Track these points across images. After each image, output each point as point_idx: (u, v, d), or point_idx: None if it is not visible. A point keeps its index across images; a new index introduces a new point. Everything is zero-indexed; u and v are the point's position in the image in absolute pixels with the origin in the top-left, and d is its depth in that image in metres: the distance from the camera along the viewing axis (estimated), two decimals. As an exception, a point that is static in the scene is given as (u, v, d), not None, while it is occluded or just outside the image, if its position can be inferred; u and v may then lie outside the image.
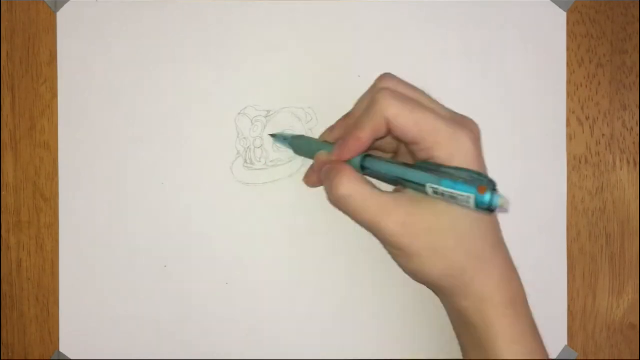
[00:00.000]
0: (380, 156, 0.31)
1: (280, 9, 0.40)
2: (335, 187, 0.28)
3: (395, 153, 0.34)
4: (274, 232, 0.40)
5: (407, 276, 0.35)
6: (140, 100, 0.40)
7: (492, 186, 0.26)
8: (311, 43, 0.40)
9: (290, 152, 0.39)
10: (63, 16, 0.40)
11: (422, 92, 0.30)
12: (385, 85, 0.29)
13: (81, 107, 0.40)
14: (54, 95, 0.40)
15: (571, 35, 0.40)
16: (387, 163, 0.29)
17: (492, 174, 0.40)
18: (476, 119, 0.33)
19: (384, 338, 0.40)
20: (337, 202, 0.29)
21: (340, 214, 0.31)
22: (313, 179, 0.34)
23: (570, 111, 0.40)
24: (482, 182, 0.26)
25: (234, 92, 0.40)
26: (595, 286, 0.40)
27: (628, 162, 0.40)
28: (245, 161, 0.40)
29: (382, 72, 0.33)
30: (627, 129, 0.40)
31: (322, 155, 0.31)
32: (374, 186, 0.29)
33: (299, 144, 0.36)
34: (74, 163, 0.40)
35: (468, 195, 0.25)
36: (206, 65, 0.40)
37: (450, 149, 0.27)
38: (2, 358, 0.41)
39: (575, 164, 0.40)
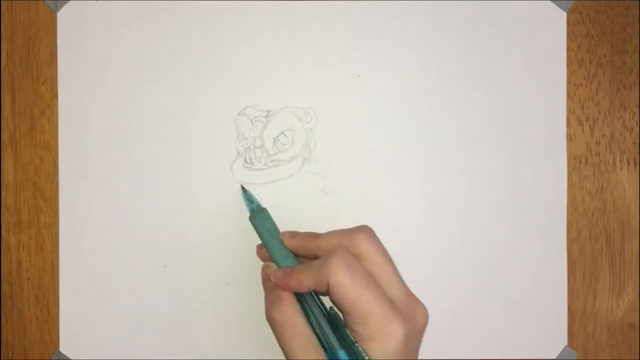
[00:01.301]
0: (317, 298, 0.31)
1: (280, 9, 0.40)
2: (273, 311, 0.30)
3: None
4: (274, 232, 0.40)
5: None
6: (140, 100, 0.40)
7: None
8: (311, 43, 0.40)
9: (290, 153, 0.39)
10: (63, 16, 0.40)
11: (387, 262, 0.30)
12: (358, 242, 0.29)
13: (81, 107, 0.40)
14: (54, 95, 0.40)
15: (571, 35, 0.40)
16: (313, 302, 0.30)
17: (492, 173, 0.40)
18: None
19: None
20: (271, 322, 0.30)
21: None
22: (262, 256, 0.34)
23: (570, 111, 0.40)
24: None
25: (234, 92, 0.40)
26: (595, 286, 0.40)
27: (628, 162, 0.40)
28: (245, 161, 0.40)
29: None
30: (627, 129, 0.40)
31: (270, 270, 0.32)
32: (306, 319, 0.29)
33: (255, 217, 0.33)
34: (74, 163, 0.40)
35: None
36: (206, 65, 0.40)
37: (373, 333, 0.27)
38: (2, 358, 0.41)
39: (575, 164, 0.40)
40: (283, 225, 0.40)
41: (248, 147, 0.40)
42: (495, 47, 0.40)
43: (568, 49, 0.40)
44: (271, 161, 0.40)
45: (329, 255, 0.28)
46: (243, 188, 0.36)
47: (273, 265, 0.32)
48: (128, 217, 0.40)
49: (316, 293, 0.30)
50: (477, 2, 0.40)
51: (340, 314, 0.29)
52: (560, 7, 0.40)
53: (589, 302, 0.40)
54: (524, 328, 0.40)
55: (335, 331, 0.28)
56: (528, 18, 0.40)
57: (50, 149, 0.40)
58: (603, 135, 0.40)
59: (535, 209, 0.40)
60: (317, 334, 0.29)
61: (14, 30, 0.40)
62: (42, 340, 0.40)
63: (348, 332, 0.28)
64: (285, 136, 0.40)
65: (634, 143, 0.40)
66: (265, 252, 0.33)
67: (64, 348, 0.40)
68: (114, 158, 0.40)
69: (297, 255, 0.32)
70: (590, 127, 0.40)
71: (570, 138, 0.40)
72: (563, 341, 0.40)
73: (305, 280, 0.29)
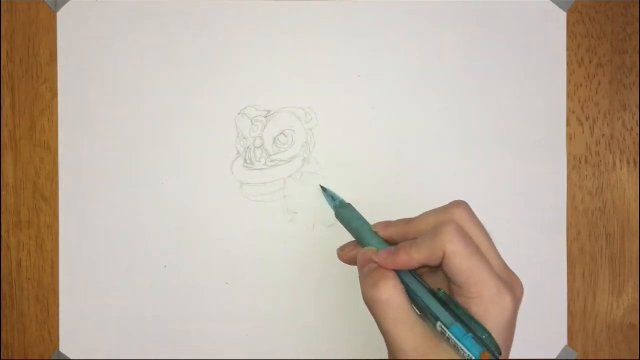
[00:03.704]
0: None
1: (280, 9, 0.40)
2: (378, 288, 0.28)
3: (432, 269, 0.33)
4: (274, 232, 0.40)
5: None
6: (140, 100, 0.40)
7: (495, 356, 0.26)
8: (311, 43, 0.40)
9: (290, 153, 0.39)
10: (63, 16, 0.40)
11: (486, 235, 0.30)
12: (457, 218, 0.29)
13: (81, 107, 0.40)
14: (54, 95, 0.40)
15: (571, 35, 0.40)
16: (418, 283, 0.29)
17: (492, 173, 0.40)
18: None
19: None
20: (372, 302, 0.29)
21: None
22: (347, 257, 0.33)
23: (570, 111, 0.40)
24: (489, 349, 0.26)
25: (234, 92, 0.40)
26: (595, 286, 0.40)
27: (628, 162, 0.40)
28: (245, 161, 0.40)
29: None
30: (627, 129, 0.40)
31: (370, 252, 0.31)
32: (408, 301, 0.29)
33: (343, 213, 0.34)
34: (74, 163, 0.40)
35: (470, 355, 0.26)
36: (206, 65, 0.40)
37: (488, 307, 0.27)
38: (2, 358, 0.41)
39: (575, 164, 0.40)
40: (283, 226, 0.40)
41: (248, 147, 0.40)
42: (496, 47, 0.40)
43: (568, 49, 0.40)
44: (271, 161, 0.40)
45: (440, 226, 0.28)
46: (323, 188, 0.36)
47: (373, 248, 0.31)
48: (128, 217, 0.40)
49: (416, 273, 0.29)
50: (477, 2, 0.40)
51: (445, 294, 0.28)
52: (560, 7, 0.40)
53: (589, 302, 0.40)
54: (524, 328, 0.40)
55: (446, 309, 0.27)
56: (528, 18, 0.40)
57: (50, 149, 0.40)
58: (603, 135, 0.40)
59: (535, 209, 0.40)
60: (431, 320, 0.28)
61: (14, 30, 0.40)
62: (42, 340, 0.40)
63: (461, 307, 0.27)
64: (285, 136, 0.40)
65: (634, 143, 0.40)
66: (349, 253, 0.33)
67: (64, 348, 0.40)
68: (114, 158, 0.40)
69: (391, 244, 0.31)
70: (590, 127, 0.40)
71: (570, 138, 0.40)
72: (563, 341, 0.40)
73: (416, 253, 0.28)
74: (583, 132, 0.40)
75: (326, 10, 0.40)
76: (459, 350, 0.26)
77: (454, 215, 0.29)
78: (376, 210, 0.40)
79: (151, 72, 0.40)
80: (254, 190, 0.40)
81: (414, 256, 0.28)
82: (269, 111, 0.40)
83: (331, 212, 0.36)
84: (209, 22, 0.40)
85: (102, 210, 0.40)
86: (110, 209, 0.40)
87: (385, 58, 0.40)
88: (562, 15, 0.40)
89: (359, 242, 0.32)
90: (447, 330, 0.27)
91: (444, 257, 0.27)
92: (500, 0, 0.40)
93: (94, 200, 0.40)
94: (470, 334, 0.26)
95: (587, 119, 0.40)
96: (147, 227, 0.40)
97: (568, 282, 0.40)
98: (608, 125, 0.40)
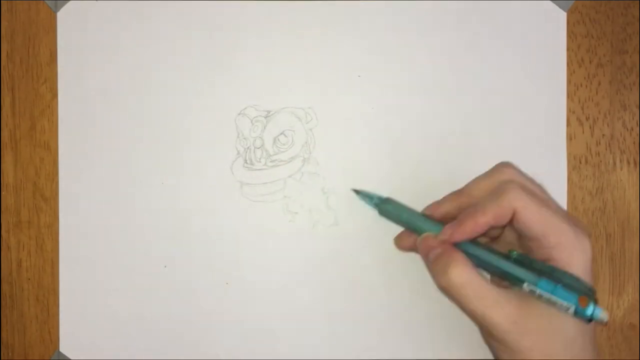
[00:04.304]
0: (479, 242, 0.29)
1: (280, 9, 0.40)
2: (449, 275, 0.27)
3: (493, 240, 0.32)
4: (274, 232, 0.40)
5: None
6: (140, 100, 0.40)
7: (592, 297, 0.26)
8: (311, 43, 0.40)
9: (290, 153, 0.39)
10: (63, 16, 0.40)
11: (543, 188, 0.30)
12: (512, 178, 0.29)
13: (81, 107, 0.40)
14: (54, 95, 0.40)
15: (571, 35, 0.40)
16: (489, 253, 0.28)
17: (492, 174, 0.40)
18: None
19: (384, 338, 0.40)
20: (447, 289, 0.28)
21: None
22: (407, 244, 0.32)
23: (570, 111, 0.40)
24: (583, 291, 0.26)
25: (234, 92, 0.40)
26: (595, 286, 0.40)
27: (628, 162, 0.40)
28: (245, 161, 0.40)
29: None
30: (627, 129, 0.40)
31: (430, 238, 0.30)
32: (483, 276, 0.28)
33: (386, 209, 0.32)
34: (74, 163, 0.40)
35: (568, 304, 0.25)
36: (206, 65, 0.40)
37: (571, 253, 0.27)
38: (2, 358, 0.41)
39: (575, 164, 0.40)
40: (283, 226, 0.40)
41: (248, 147, 0.40)
42: (495, 47, 0.40)
43: (568, 49, 0.40)
44: (271, 161, 0.40)
45: (502, 185, 0.28)
46: (356, 191, 0.33)
47: (431, 233, 0.30)
48: (128, 217, 0.40)
49: (486, 233, 0.29)
50: (477, 2, 0.40)
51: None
52: (560, 7, 0.40)
53: (589, 302, 0.40)
54: (524, 328, 0.40)
55: (526, 268, 0.27)
56: (528, 18, 0.40)
57: (50, 149, 0.40)
58: (603, 135, 0.40)
59: (535, 209, 0.40)
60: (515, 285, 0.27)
61: (14, 30, 0.40)
62: (42, 340, 0.40)
63: (538, 262, 0.26)
64: (285, 136, 0.40)
65: (634, 143, 0.40)
66: (407, 239, 0.31)
67: (64, 348, 0.40)
68: (114, 158, 0.40)
69: (446, 222, 0.30)
70: (590, 127, 0.40)
71: (570, 138, 0.40)
72: (563, 341, 0.40)
73: (482, 217, 0.27)
74: (583, 132, 0.40)
75: (326, 11, 0.40)
76: (555, 303, 0.25)
77: (505, 174, 0.29)
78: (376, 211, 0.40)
79: (151, 72, 0.40)
80: (254, 190, 0.40)
81: (480, 220, 0.27)
82: (269, 111, 0.40)
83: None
84: (209, 22, 0.40)
85: (102, 210, 0.40)
86: (110, 209, 0.40)
87: (385, 58, 0.40)
88: (562, 15, 0.40)
89: (414, 231, 0.30)
90: (536, 289, 0.26)
91: (514, 214, 0.27)
92: (500, 0, 0.40)
93: (94, 200, 0.40)
94: (560, 284, 0.25)
95: (587, 119, 0.40)
96: (147, 227, 0.40)
97: (568, 282, 0.40)
98: (608, 125, 0.40)
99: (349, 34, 0.40)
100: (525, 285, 0.26)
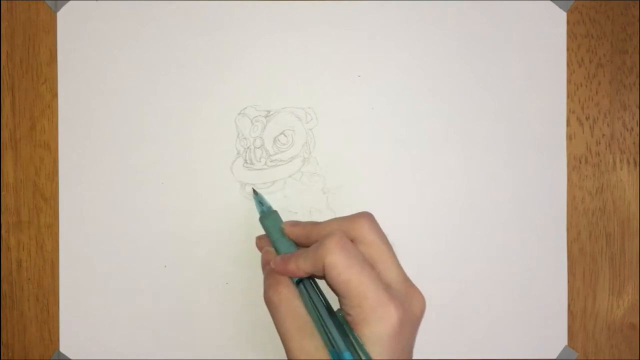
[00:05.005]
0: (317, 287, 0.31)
1: (281, 8, 0.40)
2: (270, 291, 0.29)
3: None
4: (274, 232, 0.40)
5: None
6: (140, 100, 0.40)
7: None
8: (311, 43, 0.40)
9: (290, 153, 0.39)
10: (63, 16, 0.40)
11: (387, 246, 0.30)
12: (350, 229, 0.29)
13: (81, 107, 0.40)
14: (54, 95, 0.40)
15: (571, 35, 0.40)
16: (318, 297, 0.29)
17: (492, 173, 0.40)
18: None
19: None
20: (267, 303, 0.30)
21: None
22: (262, 247, 0.35)
23: (570, 111, 0.40)
24: None
25: (234, 92, 0.40)
26: (595, 286, 0.40)
27: (628, 162, 0.40)
28: (245, 161, 0.40)
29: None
30: (627, 129, 0.40)
31: (270, 254, 0.32)
32: (301, 303, 0.29)
33: (268, 218, 0.34)
34: (74, 163, 0.40)
35: None
36: (206, 65, 0.40)
37: (367, 317, 0.27)
38: (2, 358, 0.41)
39: (575, 164, 0.40)
40: (283, 225, 0.40)
41: (248, 147, 0.40)
42: (495, 47, 0.40)
43: (568, 49, 0.40)
44: (271, 161, 0.40)
45: (325, 237, 0.28)
46: (255, 191, 0.37)
47: (273, 250, 0.33)
48: (128, 217, 0.40)
49: (315, 278, 0.30)
50: (477, 2, 0.40)
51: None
52: (560, 7, 0.40)
53: (589, 302, 0.40)
54: (524, 328, 0.40)
55: (341, 331, 0.28)
56: (528, 18, 0.40)
57: (50, 149, 0.40)
58: (603, 135, 0.40)
59: (535, 209, 0.40)
60: (321, 332, 0.28)
61: (14, 30, 0.40)
62: (42, 340, 0.40)
63: (354, 333, 0.27)
64: (285, 136, 0.40)
65: (634, 143, 0.40)
66: (262, 240, 0.34)
67: (64, 348, 0.40)
68: (114, 158, 0.40)
69: (299, 244, 0.32)
70: (590, 127, 0.40)
71: (570, 138, 0.40)
72: (563, 341, 0.40)
73: (303, 263, 0.29)
74: (583, 132, 0.40)
75: (326, 11, 0.40)
76: None
77: (355, 224, 0.29)
78: (376, 210, 0.40)
79: (151, 72, 0.40)
80: (254, 190, 0.40)
81: (300, 266, 0.29)
82: (269, 111, 0.40)
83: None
84: (208, 22, 0.40)
85: (102, 210, 0.40)
86: (110, 209, 0.40)
87: (385, 58, 0.40)
88: (562, 15, 0.40)
89: (273, 245, 0.33)
90: (339, 353, 0.27)
91: (324, 269, 0.28)
92: (500, 0, 0.40)
93: (94, 200, 0.40)
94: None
95: (587, 119, 0.40)
96: (147, 227, 0.40)
97: (568, 282, 0.40)
98: (608, 125, 0.40)
99: (349, 34, 0.40)
100: (330, 347, 0.27)
